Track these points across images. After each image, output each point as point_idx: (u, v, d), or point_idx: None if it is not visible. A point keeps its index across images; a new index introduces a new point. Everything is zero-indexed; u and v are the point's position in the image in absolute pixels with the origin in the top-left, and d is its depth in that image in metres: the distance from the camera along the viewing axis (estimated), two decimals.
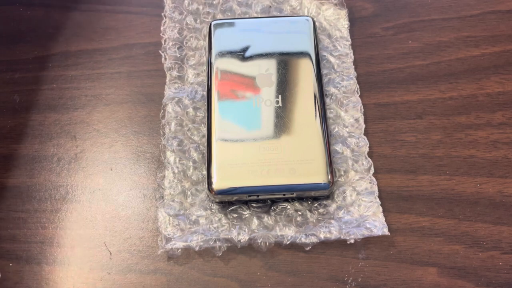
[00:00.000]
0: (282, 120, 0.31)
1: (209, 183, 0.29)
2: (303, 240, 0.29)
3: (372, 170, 0.31)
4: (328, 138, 0.31)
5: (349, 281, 0.29)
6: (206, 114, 0.32)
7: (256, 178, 0.29)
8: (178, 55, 0.36)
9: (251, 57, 0.34)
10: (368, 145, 0.32)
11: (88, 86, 0.36)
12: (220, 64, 0.33)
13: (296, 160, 0.30)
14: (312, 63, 0.33)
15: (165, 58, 0.36)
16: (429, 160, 0.32)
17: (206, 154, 0.31)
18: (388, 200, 0.31)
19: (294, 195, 0.30)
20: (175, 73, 0.35)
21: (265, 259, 0.29)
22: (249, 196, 0.30)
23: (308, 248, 0.29)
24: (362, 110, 0.33)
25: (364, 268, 0.29)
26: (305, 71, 0.33)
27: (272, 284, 0.29)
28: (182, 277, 0.29)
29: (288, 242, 0.29)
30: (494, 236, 0.30)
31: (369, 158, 0.31)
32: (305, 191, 0.30)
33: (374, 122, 0.33)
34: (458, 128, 0.33)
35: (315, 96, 0.32)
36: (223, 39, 0.35)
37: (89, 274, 0.29)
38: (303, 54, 0.34)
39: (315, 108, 0.31)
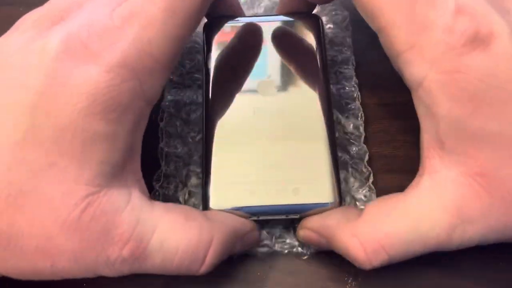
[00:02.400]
0: (285, 134, 0.28)
1: (205, 203, 0.27)
2: (299, 250, 0.29)
3: (371, 179, 0.31)
4: (335, 154, 0.28)
5: (349, 281, 0.29)
6: (202, 126, 0.29)
7: (256, 198, 0.27)
8: (179, 60, 0.36)
9: (250, 61, 0.31)
10: (367, 153, 0.32)
11: None
12: (216, 68, 0.30)
13: (300, 178, 0.27)
14: (319, 67, 0.30)
15: None
16: None
17: (202, 172, 0.28)
18: None
19: (298, 216, 0.28)
20: (174, 77, 0.35)
21: (265, 258, 0.29)
22: (248, 218, 0.28)
23: (305, 257, 0.29)
24: (363, 117, 0.33)
25: None
26: (311, 77, 0.30)
27: (272, 284, 0.29)
28: (181, 277, 0.29)
29: (286, 251, 0.29)
30: None
31: (368, 167, 0.31)
32: (310, 212, 0.28)
33: (374, 122, 0.33)
34: None
35: (322, 106, 0.29)
36: (220, 41, 0.31)
37: None
38: (310, 57, 0.30)
39: (322, 120, 0.29)
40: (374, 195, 0.31)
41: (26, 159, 0.21)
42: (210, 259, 0.24)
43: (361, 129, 0.33)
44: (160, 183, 0.31)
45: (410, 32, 0.24)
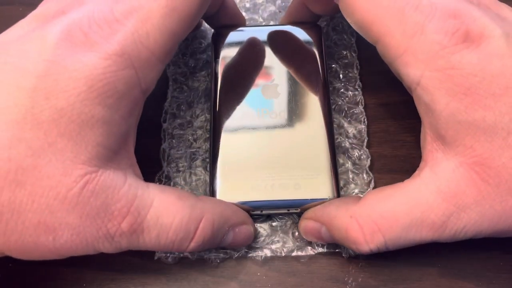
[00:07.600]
0: (287, 133, 0.30)
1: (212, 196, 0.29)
2: (298, 253, 0.29)
3: (373, 184, 0.31)
4: (334, 152, 0.30)
5: (350, 281, 0.29)
6: (210, 126, 0.32)
7: (260, 193, 0.29)
8: (182, 60, 0.36)
9: (255, 67, 0.33)
10: (369, 158, 0.32)
11: None
12: (224, 73, 0.32)
13: (301, 174, 0.29)
14: (320, 73, 0.32)
15: (169, 64, 0.35)
16: None
17: (209, 168, 0.30)
18: None
19: (299, 210, 0.29)
20: (178, 77, 0.35)
21: (265, 259, 0.29)
22: (252, 211, 0.29)
23: (304, 260, 0.29)
24: (366, 122, 0.33)
25: (365, 268, 0.29)
26: (312, 82, 0.32)
27: (272, 284, 0.29)
28: (182, 277, 0.29)
29: (284, 255, 0.29)
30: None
31: (370, 172, 0.31)
32: (310, 205, 0.29)
33: (375, 122, 0.33)
34: None
35: (321, 109, 0.31)
36: (227, 49, 0.33)
37: (87, 274, 0.29)
38: (310, 64, 0.32)
39: (322, 121, 0.31)
40: None
41: (25, 138, 0.22)
42: (199, 236, 0.26)
43: (364, 133, 0.33)
44: (161, 184, 0.31)
45: (402, 37, 0.25)
